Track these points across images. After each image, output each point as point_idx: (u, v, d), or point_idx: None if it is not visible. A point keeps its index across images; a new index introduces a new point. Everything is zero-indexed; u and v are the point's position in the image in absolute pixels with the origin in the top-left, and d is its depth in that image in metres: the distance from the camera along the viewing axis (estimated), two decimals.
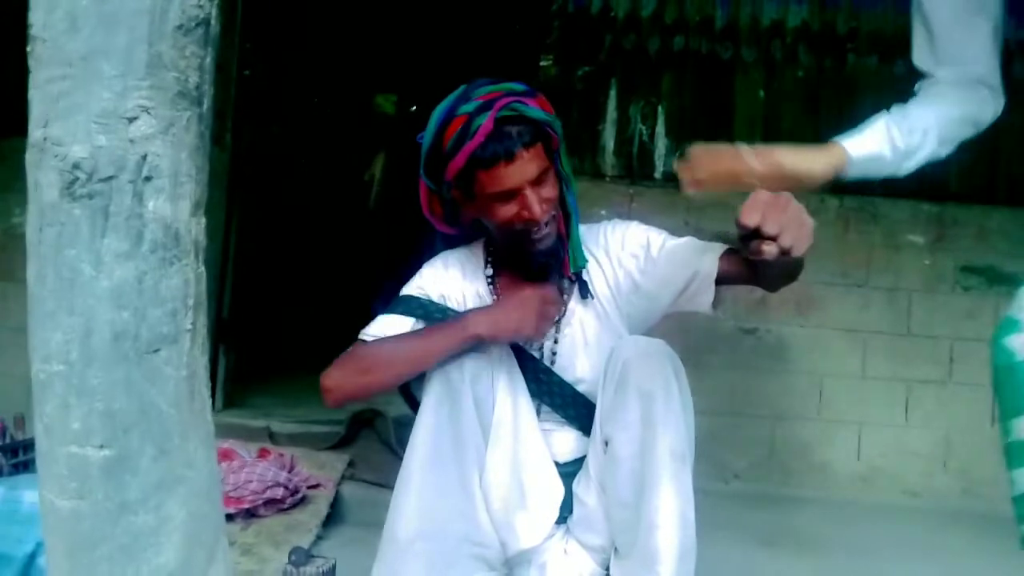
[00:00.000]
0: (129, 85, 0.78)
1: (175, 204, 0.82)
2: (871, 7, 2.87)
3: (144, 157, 0.80)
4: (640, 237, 1.60)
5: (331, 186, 5.12)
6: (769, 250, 1.11)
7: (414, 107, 5.85)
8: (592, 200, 2.87)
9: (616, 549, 1.46)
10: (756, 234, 1.11)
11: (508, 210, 1.49)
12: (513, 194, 1.48)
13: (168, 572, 0.78)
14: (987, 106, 1.39)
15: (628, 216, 2.84)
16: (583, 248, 1.60)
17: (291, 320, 4.04)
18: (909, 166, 1.38)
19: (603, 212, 2.87)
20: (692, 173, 1.35)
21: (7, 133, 2.44)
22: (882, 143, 1.35)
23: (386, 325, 1.57)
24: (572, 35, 2.89)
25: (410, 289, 1.64)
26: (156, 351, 0.80)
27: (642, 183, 2.89)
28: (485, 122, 1.46)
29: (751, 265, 1.40)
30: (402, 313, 1.58)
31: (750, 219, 1.10)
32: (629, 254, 1.59)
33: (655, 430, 1.39)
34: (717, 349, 2.76)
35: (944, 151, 1.40)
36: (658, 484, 1.38)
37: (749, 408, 2.80)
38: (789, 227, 1.11)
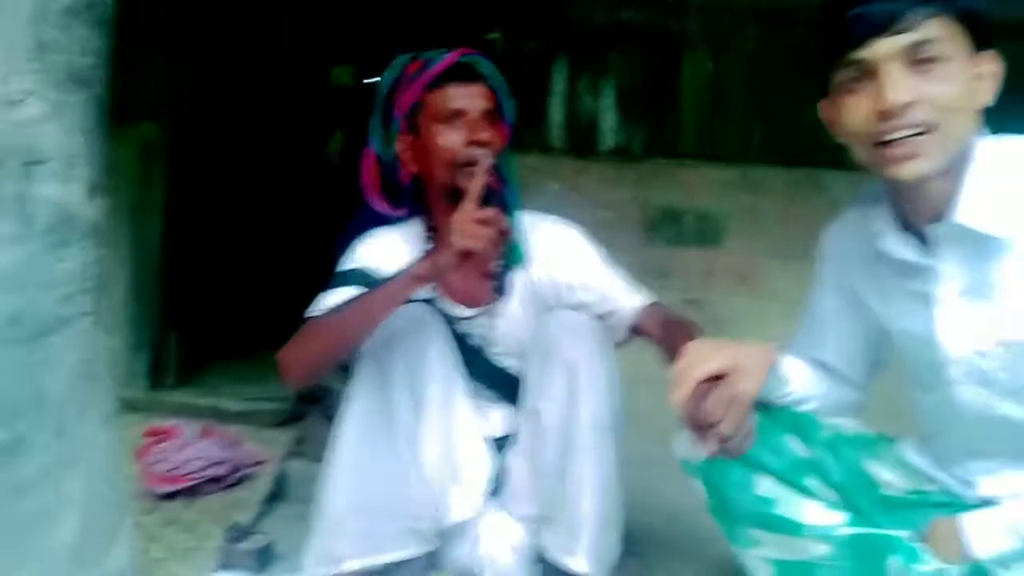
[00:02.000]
0: (13, 69, 0.78)
1: (67, 187, 0.82)
2: None
3: (32, 140, 0.80)
4: (576, 251, 1.60)
5: (287, 161, 5.05)
6: (712, 448, 1.06)
7: (373, 79, 5.78)
8: (541, 173, 2.87)
9: (545, 518, 1.50)
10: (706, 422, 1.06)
11: (454, 137, 1.50)
12: (460, 117, 1.50)
13: (66, 549, 0.80)
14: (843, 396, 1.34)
15: (576, 189, 2.88)
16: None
17: (249, 298, 4.02)
18: (803, 407, 1.30)
19: (553, 185, 2.88)
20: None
21: None
22: (794, 375, 1.27)
23: (330, 300, 1.56)
24: (520, 9, 2.88)
25: (348, 264, 1.64)
26: (50, 334, 0.81)
27: (590, 157, 2.90)
28: (448, 57, 1.53)
29: (671, 343, 1.42)
30: (343, 286, 1.57)
31: (715, 414, 1.05)
32: (558, 260, 1.59)
33: (578, 401, 1.43)
34: None
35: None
36: (581, 453, 1.42)
37: None
38: (740, 433, 1.07)
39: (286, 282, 4.51)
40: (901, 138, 0.99)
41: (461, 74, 1.52)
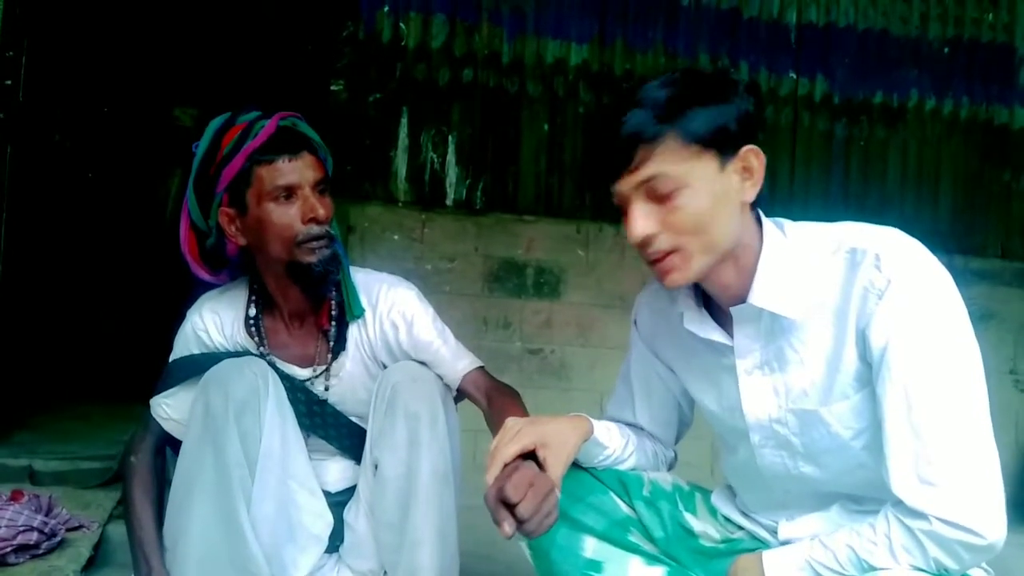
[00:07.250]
0: None
1: None
2: (643, 51, 3.11)
3: None
4: (408, 311, 1.57)
5: (123, 202, 4.84)
6: (508, 529, 1.04)
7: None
8: (384, 225, 2.91)
9: (384, 572, 1.50)
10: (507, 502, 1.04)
11: (289, 213, 1.45)
12: (293, 193, 1.45)
13: None
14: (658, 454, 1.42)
15: (420, 240, 2.92)
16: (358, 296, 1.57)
17: (68, 348, 3.76)
18: (623, 467, 1.35)
19: (395, 237, 2.91)
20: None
21: None
22: (610, 439, 1.31)
23: (169, 404, 1.58)
24: (363, 62, 2.92)
25: (179, 350, 1.62)
26: None
27: (434, 209, 2.96)
28: (268, 125, 1.46)
29: (493, 414, 1.47)
30: (179, 382, 1.57)
31: (513, 495, 1.03)
32: (391, 323, 1.57)
33: (420, 451, 1.44)
34: (506, 369, 2.87)
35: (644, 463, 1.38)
36: (421, 504, 1.44)
37: None
38: (538, 515, 1.05)
39: (115, 330, 4.28)
40: (654, 260, 1.08)
41: (287, 144, 1.45)
